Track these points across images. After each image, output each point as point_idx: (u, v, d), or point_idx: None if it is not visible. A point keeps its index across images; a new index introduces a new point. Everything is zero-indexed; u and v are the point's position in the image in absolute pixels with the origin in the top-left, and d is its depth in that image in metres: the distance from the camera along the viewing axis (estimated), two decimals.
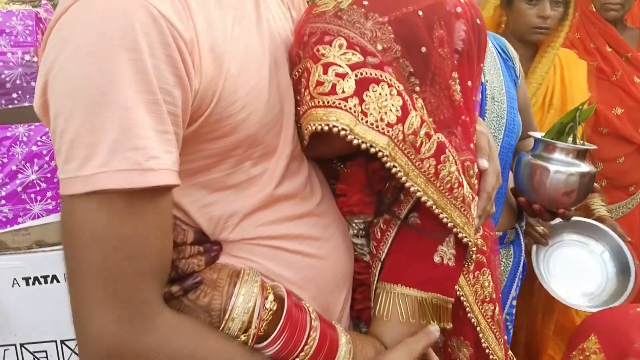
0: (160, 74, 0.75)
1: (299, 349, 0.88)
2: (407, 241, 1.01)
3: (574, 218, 1.83)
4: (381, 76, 0.89)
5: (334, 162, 1.08)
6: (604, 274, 1.79)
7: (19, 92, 1.51)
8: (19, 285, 1.56)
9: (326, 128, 0.87)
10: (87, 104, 0.72)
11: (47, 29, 0.78)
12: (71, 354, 1.62)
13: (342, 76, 0.88)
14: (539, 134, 1.48)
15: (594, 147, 1.46)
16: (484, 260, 1.16)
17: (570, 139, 1.43)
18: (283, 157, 0.96)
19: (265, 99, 0.91)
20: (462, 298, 1.11)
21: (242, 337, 0.86)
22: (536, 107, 2.10)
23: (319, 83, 0.89)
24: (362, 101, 0.88)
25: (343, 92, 0.88)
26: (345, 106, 0.88)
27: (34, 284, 1.56)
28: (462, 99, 0.98)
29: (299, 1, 1.10)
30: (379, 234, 1.03)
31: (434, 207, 0.94)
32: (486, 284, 1.16)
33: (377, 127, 0.88)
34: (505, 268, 1.76)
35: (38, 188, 1.52)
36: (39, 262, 1.56)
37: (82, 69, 0.72)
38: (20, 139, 1.49)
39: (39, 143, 1.50)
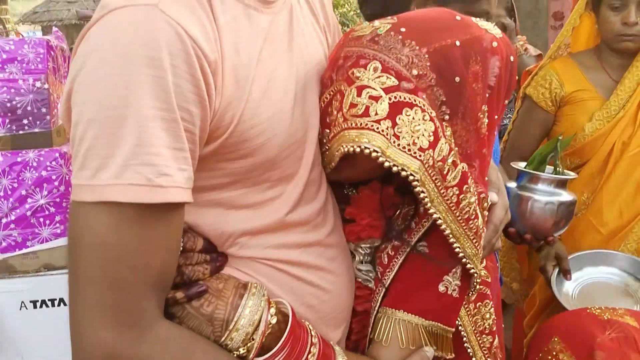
0: (180, 92, 0.76)
1: None
2: (414, 269, 1.00)
3: (585, 252, 1.86)
4: (415, 101, 0.90)
5: (346, 186, 1.08)
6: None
7: (30, 118, 1.54)
8: (27, 308, 1.58)
9: (358, 150, 0.87)
10: (106, 116, 0.73)
11: (78, 38, 0.81)
12: None
13: (376, 99, 0.89)
14: (522, 165, 1.48)
15: (575, 175, 1.48)
16: (488, 292, 1.15)
17: (551, 168, 1.45)
18: (301, 182, 0.96)
19: (287, 125, 0.92)
20: (460, 327, 1.10)
21: (242, 350, 0.86)
22: (625, 122, 1.93)
23: (353, 105, 0.90)
24: (394, 124, 0.88)
25: (376, 114, 0.88)
26: (377, 128, 0.88)
27: (41, 307, 1.58)
28: (487, 132, 0.99)
29: (334, 26, 1.11)
30: (386, 259, 1.02)
31: (450, 236, 0.94)
32: (487, 315, 1.16)
33: (409, 150, 0.88)
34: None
35: (47, 212, 1.54)
36: (47, 286, 1.58)
37: (104, 80, 0.74)
38: (30, 164, 1.52)
39: (49, 168, 1.53)
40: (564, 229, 1.44)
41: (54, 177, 1.53)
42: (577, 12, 2.02)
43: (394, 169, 0.87)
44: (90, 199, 0.74)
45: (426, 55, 0.91)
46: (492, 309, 1.15)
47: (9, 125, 1.53)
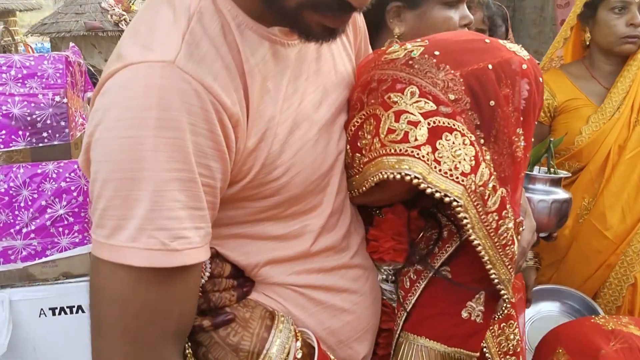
0: (199, 150, 0.75)
1: None
2: (436, 294, 0.98)
3: (546, 286, 1.98)
4: (454, 125, 0.87)
5: (371, 208, 1.06)
6: None
7: (49, 131, 1.59)
8: (46, 315, 1.62)
9: (398, 176, 0.86)
10: (120, 177, 0.72)
11: (95, 90, 0.80)
12: None
13: (415, 124, 0.87)
14: None
15: (569, 174, 1.55)
16: (513, 312, 1.13)
17: (544, 169, 1.51)
18: (325, 213, 0.95)
19: (311, 159, 0.90)
20: (484, 349, 1.08)
21: None
22: (620, 125, 1.99)
23: (391, 131, 0.88)
24: (435, 149, 0.86)
25: (416, 140, 0.86)
26: (418, 154, 0.86)
27: (60, 314, 1.63)
28: (522, 156, 0.96)
29: (353, 40, 1.08)
30: (408, 283, 1.00)
31: (487, 262, 0.92)
32: (511, 336, 1.14)
33: (451, 175, 0.86)
34: None
35: (66, 222, 1.59)
36: (66, 293, 1.62)
37: (119, 142, 0.72)
38: (50, 175, 1.57)
39: (68, 179, 1.58)
40: (563, 225, 1.49)
41: (72, 187, 1.58)
42: (569, 24, 2.06)
43: (437, 194, 0.85)
44: (108, 258, 0.74)
45: (461, 79, 0.90)
46: (517, 329, 1.14)
47: (29, 138, 1.58)
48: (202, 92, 0.74)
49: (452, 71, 0.90)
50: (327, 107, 0.94)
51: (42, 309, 1.61)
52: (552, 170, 1.49)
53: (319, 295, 0.96)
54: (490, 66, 0.91)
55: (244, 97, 0.81)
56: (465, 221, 0.88)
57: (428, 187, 0.85)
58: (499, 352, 1.11)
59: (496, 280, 0.93)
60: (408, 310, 0.99)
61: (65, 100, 1.59)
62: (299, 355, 0.88)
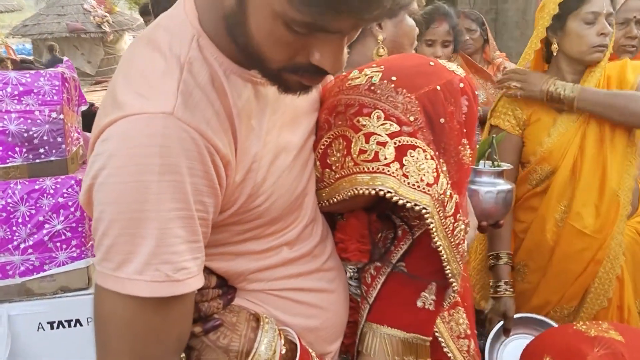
0: (196, 189, 0.82)
1: None
2: (394, 287, 1.09)
3: (521, 315, 2.07)
4: (415, 142, 0.98)
5: (334, 213, 1.15)
6: None
7: (46, 147, 1.61)
8: (44, 329, 1.64)
9: (373, 192, 0.96)
10: (127, 218, 0.78)
11: (94, 134, 0.84)
12: None
13: (383, 144, 0.98)
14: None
15: (510, 166, 1.61)
16: (459, 299, 1.23)
17: (488, 162, 1.58)
18: (301, 225, 1.04)
19: (289, 184, 0.99)
20: (437, 334, 1.18)
21: None
22: (583, 128, 2.06)
23: (362, 151, 0.98)
24: (402, 165, 0.97)
25: (385, 158, 0.97)
26: (388, 171, 0.97)
27: (57, 327, 1.64)
28: (469, 162, 1.08)
29: None
30: (370, 279, 1.11)
31: (445, 260, 1.03)
32: (460, 320, 1.23)
33: (418, 187, 0.97)
34: None
35: (63, 237, 1.61)
36: (63, 307, 1.64)
37: (124, 186, 0.78)
38: (47, 191, 1.58)
39: (65, 195, 1.59)
40: (507, 212, 1.59)
41: (70, 203, 1.60)
42: (538, 37, 2.11)
43: (407, 204, 0.96)
44: (114, 289, 0.80)
45: (416, 101, 1.01)
46: (465, 314, 1.24)
47: (25, 154, 1.59)
48: (198, 139, 0.81)
49: (409, 94, 1.01)
50: (300, 134, 1.02)
51: (40, 323, 1.63)
52: (495, 163, 1.58)
53: (298, 297, 1.04)
54: (438, 87, 1.02)
55: (233, 138, 0.87)
56: (432, 225, 0.99)
57: (400, 198, 0.95)
58: (452, 336, 1.22)
59: (449, 274, 1.05)
60: (371, 303, 1.09)
61: (61, 116, 1.60)
62: (284, 352, 0.96)
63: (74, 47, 12.99)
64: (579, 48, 1.99)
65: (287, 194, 0.99)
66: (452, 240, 1.03)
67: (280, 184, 0.96)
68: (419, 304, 1.08)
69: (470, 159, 1.09)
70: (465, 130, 1.06)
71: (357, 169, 0.99)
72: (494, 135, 1.57)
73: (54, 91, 1.60)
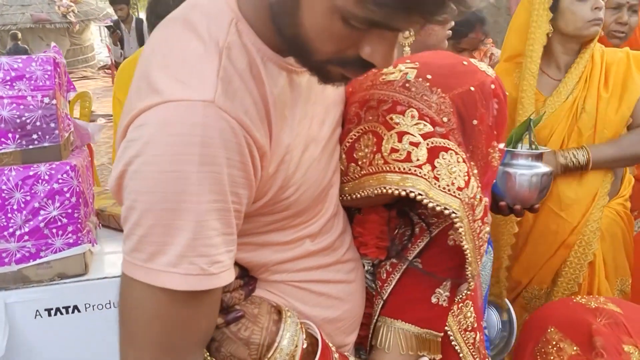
0: (233, 180, 0.79)
1: None
2: (409, 283, 1.09)
3: None
4: (448, 144, 0.97)
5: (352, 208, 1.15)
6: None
7: (39, 133, 1.59)
8: (41, 317, 1.63)
9: (403, 193, 0.95)
10: (162, 208, 0.76)
11: (127, 119, 0.80)
12: None
13: (416, 145, 0.96)
14: (500, 145, 1.61)
15: (549, 149, 1.65)
16: (469, 293, 1.24)
17: (527, 145, 1.61)
18: (324, 218, 1.03)
19: (316, 175, 0.97)
20: (446, 328, 1.18)
21: None
22: (570, 112, 2.10)
23: (394, 150, 0.96)
24: (434, 167, 0.95)
25: (417, 160, 0.95)
26: (420, 173, 0.95)
27: (55, 314, 1.64)
28: (497, 165, 1.08)
29: None
30: (385, 275, 1.11)
31: (468, 263, 1.02)
32: (469, 314, 1.23)
33: (449, 190, 0.96)
34: (491, 264, 1.88)
35: (59, 223, 1.59)
36: (61, 294, 1.63)
37: (162, 176, 0.76)
38: (42, 177, 1.57)
39: (60, 181, 1.58)
40: (544, 196, 1.62)
41: (65, 189, 1.59)
42: (542, 30, 2.06)
43: (437, 208, 0.95)
44: (145, 280, 0.78)
45: (450, 102, 0.99)
46: (472, 307, 1.24)
47: (19, 140, 1.57)
48: (237, 129, 0.79)
49: (443, 94, 0.99)
50: (328, 125, 1.01)
51: (37, 311, 1.62)
52: (533, 146, 1.58)
53: (318, 288, 1.04)
54: (472, 88, 1.01)
55: (268, 128, 0.85)
56: (460, 230, 0.98)
57: (430, 201, 0.95)
58: (460, 329, 1.22)
59: (469, 275, 1.05)
60: (385, 298, 1.10)
61: (54, 101, 1.59)
62: (305, 346, 0.96)
63: (39, 37, 12.71)
64: (574, 24, 2.03)
65: (315, 185, 0.97)
66: (477, 243, 1.03)
67: (309, 176, 0.95)
68: (433, 300, 1.09)
69: (499, 161, 1.09)
70: (495, 132, 1.06)
71: (387, 168, 0.97)
72: (532, 118, 1.57)
73: (46, 76, 1.59)
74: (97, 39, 16.55)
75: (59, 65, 1.66)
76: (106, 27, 9.26)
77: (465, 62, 1.06)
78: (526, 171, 1.53)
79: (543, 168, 1.55)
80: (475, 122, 1.01)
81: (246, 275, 1.00)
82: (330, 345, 1.02)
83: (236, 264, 0.95)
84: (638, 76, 2.08)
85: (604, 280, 2.19)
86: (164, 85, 0.78)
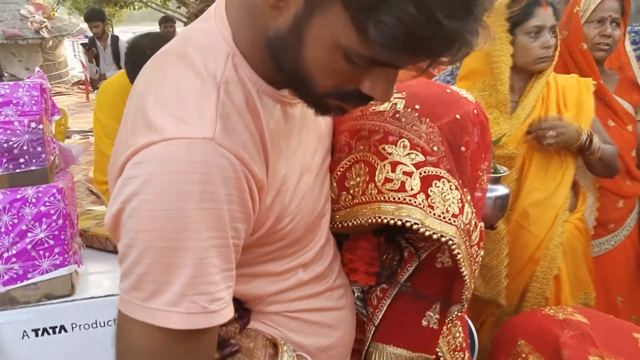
0: (232, 216, 0.79)
1: None
2: (400, 307, 1.10)
3: None
4: (440, 173, 0.98)
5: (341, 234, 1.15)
6: None
7: (26, 157, 1.62)
8: (29, 337, 1.65)
9: (399, 222, 0.95)
10: (163, 247, 0.75)
11: (122, 155, 0.80)
12: None
13: (409, 174, 0.96)
14: None
15: (507, 171, 1.67)
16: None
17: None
18: (317, 247, 1.03)
19: (310, 204, 0.97)
20: (437, 350, 1.18)
21: None
22: (522, 132, 2.20)
23: (388, 180, 0.97)
24: (428, 196, 0.96)
25: (412, 189, 0.95)
26: (414, 202, 0.95)
27: (42, 335, 1.66)
28: (486, 188, 1.10)
29: None
30: (376, 301, 1.12)
31: (466, 287, 1.04)
32: (457, 334, 1.25)
33: (444, 218, 0.96)
34: None
35: (46, 245, 1.63)
36: (47, 314, 1.66)
37: (161, 214, 0.74)
38: (29, 200, 1.60)
39: (47, 203, 1.62)
40: (503, 216, 1.66)
41: (52, 211, 1.62)
42: (507, 53, 2.17)
43: (435, 236, 0.95)
44: (143, 319, 0.77)
45: (438, 131, 1.00)
46: (460, 328, 1.27)
47: (6, 165, 1.61)
48: (236, 164, 0.78)
49: (432, 124, 1.01)
50: (320, 154, 1.01)
51: (24, 331, 1.64)
52: (492, 169, 1.60)
53: (311, 317, 1.04)
54: (458, 116, 1.03)
55: (265, 160, 0.85)
56: (459, 256, 0.99)
57: (427, 230, 0.96)
58: (449, 350, 1.24)
59: (464, 299, 1.07)
60: (376, 324, 1.11)
61: (41, 126, 1.63)
62: None
63: (11, 54, 12.58)
64: (525, 60, 2.17)
65: (309, 214, 0.96)
66: (474, 267, 1.05)
67: (303, 205, 0.94)
68: (424, 323, 1.10)
69: (487, 184, 1.11)
70: (483, 155, 1.08)
71: (381, 198, 0.98)
72: (492, 140, 1.61)
73: (32, 102, 1.62)
74: (70, 55, 16.41)
75: (45, 90, 1.70)
76: (81, 44, 9.21)
77: (448, 91, 1.08)
78: (489, 194, 1.50)
79: (502, 190, 1.59)
80: (463, 148, 1.03)
81: (241, 308, 1.00)
82: None
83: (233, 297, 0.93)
84: (589, 98, 2.22)
85: (567, 293, 2.28)
86: (162, 122, 0.77)
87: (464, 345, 1.28)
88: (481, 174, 1.08)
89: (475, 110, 1.07)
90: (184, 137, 0.75)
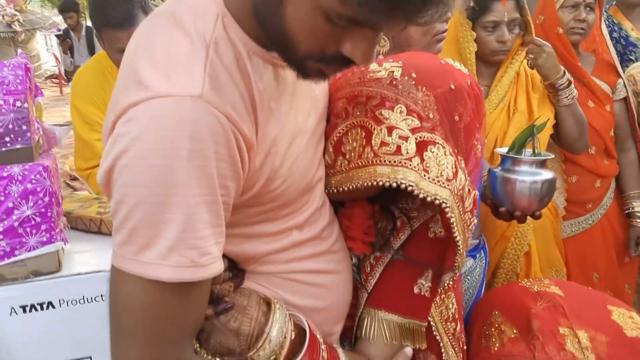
0: (221, 174, 0.81)
1: None
2: (392, 275, 1.13)
3: None
4: (435, 139, 1.00)
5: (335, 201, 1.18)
6: None
7: (12, 135, 1.64)
8: (17, 314, 1.67)
9: (394, 184, 0.97)
10: (152, 202, 0.78)
11: (114, 114, 0.81)
12: None
13: (405, 138, 0.99)
14: (503, 150, 1.61)
15: (552, 156, 1.62)
16: (451, 284, 1.29)
17: (530, 150, 1.58)
18: (311, 209, 1.05)
19: (303, 167, 0.98)
20: (429, 318, 1.22)
21: None
22: (504, 113, 2.32)
23: (384, 143, 0.99)
24: (422, 160, 0.98)
25: (407, 152, 0.98)
26: (410, 165, 0.98)
27: (30, 311, 1.68)
28: (481, 156, 1.11)
29: None
30: (369, 268, 1.15)
31: (459, 253, 1.06)
32: (450, 305, 1.28)
33: (438, 181, 0.98)
34: (480, 270, 1.95)
35: (33, 222, 1.64)
36: (35, 291, 1.67)
37: (151, 170, 0.77)
38: (15, 178, 1.62)
39: (34, 181, 1.63)
40: (547, 204, 1.59)
41: (38, 189, 1.64)
42: (471, 41, 2.30)
43: (428, 198, 0.97)
44: (135, 272, 0.80)
45: (433, 99, 1.03)
46: (454, 299, 1.30)
47: None
48: (225, 123, 0.80)
49: (428, 92, 1.04)
50: (313, 118, 1.03)
51: (12, 308, 1.66)
52: (536, 152, 1.56)
53: (307, 278, 1.06)
54: (453, 86, 1.07)
55: (254, 121, 0.87)
56: (452, 220, 1.02)
57: (420, 192, 0.98)
58: (441, 320, 1.28)
59: (457, 266, 1.11)
60: (369, 290, 1.15)
61: (26, 105, 1.64)
62: (293, 336, 0.99)
63: None
64: (482, 51, 2.31)
65: (301, 177, 0.98)
66: (467, 234, 1.07)
67: (295, 168, 0.96)
68: (416, 290, 1.13)
69: (482, 153, 1.13)
70: (478, 125, 1.11)
71: (378, 161, 1.00)
72: (535, 124, 1.57)
73: (17, 81, 1.64)
74: (43, 49, 16.17)
75: (29, 70, 1.71)
76: (56, 35, 9.11)
77: (442, 62, 1.11)
78: (527, 178, 1.51)
79: (544, 175, 1.53)
80: (456, 117, 1.06)
81: (235, 268, 1.02)
82: (318, 336, 1.04)
83: (225, 256, 0.96)
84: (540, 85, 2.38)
85: (538, 269, 2.36)
86: (152, 80, 0.79)
87: (457, 316, 1.31)
88: (476, 142, 1.11)
89: (469, 81, 1.10)
90: (173, 95, 0.78)
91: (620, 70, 2.73)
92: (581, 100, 2.54)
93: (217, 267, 0.86)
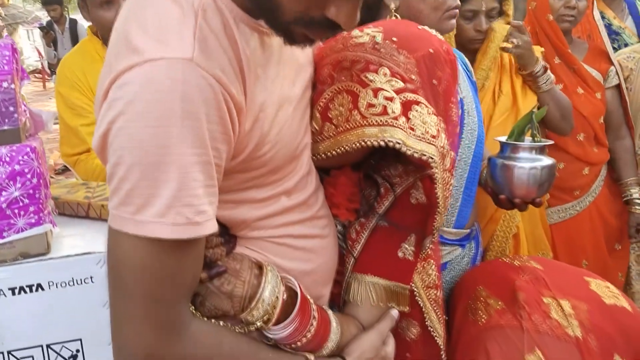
0: (213, 136, 0.84)
1: (304, 333, 1.04)
2: (377, 240, 1.18)
3: None
4: (418, 99, 1.05)
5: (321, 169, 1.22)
6: None
7: None
8: (5, 296, 1.67)
9: (382, 143, 1.01)
10: (148, 162, 0.80)
11: (109, 78, 0.84)
12: (56, 356, 1.74)
13: (390, 99, 1.03)
14: (503, 138, 1.63)
15: (551, 142, 1.62)
16: (431, 253, 1.34)
17: (529, 138, 1.60)
18: (298, 175, 1.08)
19: (290, 134, 1.02)
20: (411, 284, 1.28)
21: (259, 323, 1.00)
22: (488, 97, 2.37)
23: (370, 105, 1.03)
24: (408, 119, 1.03)
25: (393, 112, 1.02)
26: (396, 124, 1.02)
27: (19, 293, 1.68)
28: (457, 119, 1.18)
29: None
30: (354, 234, 1.20)
31: (439, 211, 1.11)
32: (430, 271, 1.33)
33: (424, 138, 1.03)
34: (469, 260, 1.97)
35: (21, 204, 1.64)
36: (24, 273, 1.67)
37: (146, 131, 0.80)
38: (3, 159, 1.61)
39: (21, 162, 1.63)
40: (548, 190, 1.59)
41: (26, 170, 1.63)
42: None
43: (415, 155, 1.01)
44: (133, 232, 0.82)
45: (414, 62, 1.08)
46: (434, 266, 1.35)
47: None
48: (215, 85, 0.84)
49: (409, 55, 1.08)
50: (299, 86, 1.06)
51: (1, 290, 1.65)
52: (535, 139, 1.58)
53: (296, 242, 1.10)
54: (431, 50, 1.11)
55: (242, 86, 0.90)
56: (436, 175, 1.06)
57: (407, 149, 1.01)
58: (423, 286, 1.33)
59: (436, 226, 1.15)
60: (356, 256, 1.19)
61: (12, 85, 1.64)
62: (285, 297, 1.03)
63: None
64: (460, 38, 2.36)
65: (289, 144, 1.02)
66: (446, 193, 1.11)
67: (283, 134, 0.99)
68: (400, 254, 1.18)
69: (457, 118, 1.19)
70: (452, 90, 1.16)
71: (365, 122, 1.04)
72: (534, 111, 1.59)
73: (4, 61, 1.63)
74: (26, 43, 16.00)
75: (16, 51, 1.70)
76: (39, 27, 9.02)
77: (419, 27, 1.15)
78: (525, 164, 1.52)
79: (544, 161, 1.54)
80: (434, 82, 1.10)
81: (226, 234, 1.05)
82: (308, 297, 1.08)
83: (217, 222, 0.97)
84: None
85: (526, 251, 2.40)
86: (144, 45, 0.82)
87: (437, 282, 1.37)
88: (452, 106, 1.16)
89: (444, 47, 1.15)
90: (165, 58, 0.80)
91: (612, 57, 2.76)
92: (571, 87, 2.59)
93: (212, 225, 0.88)
